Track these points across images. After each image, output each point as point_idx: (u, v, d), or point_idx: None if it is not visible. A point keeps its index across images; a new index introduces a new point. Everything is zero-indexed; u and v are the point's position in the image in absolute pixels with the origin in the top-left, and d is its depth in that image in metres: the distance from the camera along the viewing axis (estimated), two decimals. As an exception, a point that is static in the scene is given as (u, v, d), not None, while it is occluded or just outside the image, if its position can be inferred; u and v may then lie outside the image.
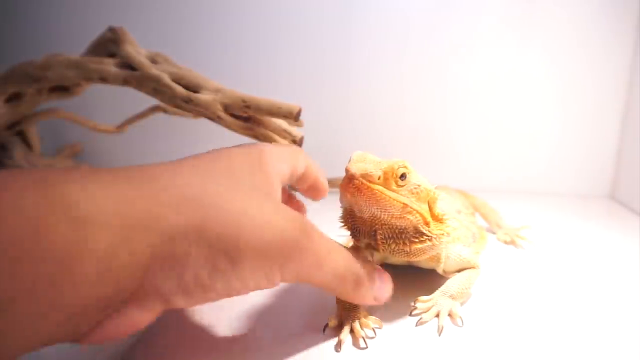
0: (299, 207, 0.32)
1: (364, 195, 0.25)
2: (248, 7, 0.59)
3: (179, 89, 0.39)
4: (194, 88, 0.40)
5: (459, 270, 0.31)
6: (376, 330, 0.27)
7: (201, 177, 0.21)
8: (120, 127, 0.55)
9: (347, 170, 0.26)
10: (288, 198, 0.32)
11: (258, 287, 0.21)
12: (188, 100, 0.39)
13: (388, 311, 0.29)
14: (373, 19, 0.58)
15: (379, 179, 0.26)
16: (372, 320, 0.27)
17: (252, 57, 0.61)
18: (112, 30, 0.43)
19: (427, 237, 0.27)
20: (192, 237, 0.19)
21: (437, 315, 0.28)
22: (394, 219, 0.26)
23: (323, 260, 0.23)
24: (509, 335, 0.26)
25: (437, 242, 0.28)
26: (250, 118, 0.40)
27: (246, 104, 0.39)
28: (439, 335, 0.26)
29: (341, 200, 0.27)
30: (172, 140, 0.63)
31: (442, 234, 0.28)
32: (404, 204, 0.26)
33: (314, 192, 0.31)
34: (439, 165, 0.61)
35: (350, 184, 0.25)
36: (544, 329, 0.27)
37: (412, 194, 0.27)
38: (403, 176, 0.26)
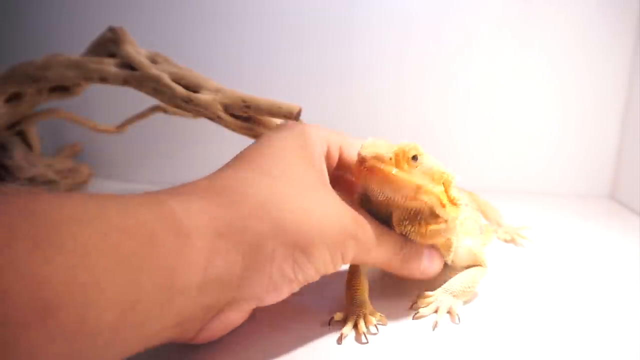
0: (350, 186, 0.32)
1: (376, 177, 0.26)
2: (248, 7, 0.59)
3: (179, 89, 0.39)
4: (194, 88, 0.40)
5: (467, 265, 0.31)
6: (379, 326, 0.27)
7: (266, 180, 0.24)
8: (120, 127, 0.55)
9: (359, 155, 0.26)
10: (338, 177, 0.32)
11: (326, 272, 0.25)
12: (188, 100, 0.39)
13: (393, 308, 0.29)
14: (374, 19, 0.58)
15: (390, 160, 0.26)
16: (376, 317, 0.27)
17: (253, 57, 0.61)
18: (112, 30, 0.43)
19: (442, 219, 0.27)
20: (274, 240, 0.22)
21: (436, 311, 0.28)
22: (408, 200, 0.26)
23: (373, 245, 0.26)
24: (508, 335, 0.26)
25: (452, 225, 0.28)
26: (250, 118, 0.40)
27: (246, 104, 0.38)
28: (433, 329, 0.27)
29: (355, 181, 0.28)
30: (172, 140, 0.63)
31: (457, 217, 0.28)
32: (417, 185, 0.26)
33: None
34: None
35: (362, 168, 0.26)
36: (544, 329, 0.27)
37: (426, 175, 0.27)
38: (415, 158, 0.26)
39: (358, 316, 0.27)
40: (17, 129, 0.50)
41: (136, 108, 0.53)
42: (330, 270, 0.25)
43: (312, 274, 0.24)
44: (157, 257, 0.18)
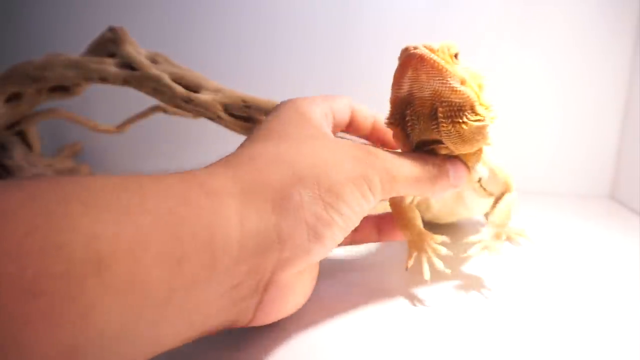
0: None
1: (427, 65, 0.25)
2: (248, 7, 0.59)
3: (179, 89, 0.39)
4: (194, 88, 0.40)
5: (496, 189, 0.32)
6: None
7: (272, 141, 0.25)
8: (120, 127, 0.55)
9: (404, 51, 0.26)
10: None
11: (362, 210, 0.25)
12: (188, 100, 0.39)
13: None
14: (374, 19, 0.58)
15: (438, 51, 0.26)
16: (439, 241, 0.30)
17: (252, 57, 0.61)
18: (112, 30, 0.43)
19: (481, 118, 0.27)
20: (298, 185, 0.22)
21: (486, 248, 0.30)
22: (453, 93, 0.26)
23: (395, 171, 0.26)
24: (508, 335, 0.26)
25: (490, 124, 0.28)
26: (250, 118, 0.40)
27: (246, 104, 0.39)
28: (488, 260, 0.30)
29: (395, 90, 0.28)
30: (172, 140, 0.63)
31: (494, 119, 0.29)
32: (463, 77, 0.27)
33: (381, 137, 0.33)
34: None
35: (411, 60, 0.26)
36: (544, 329, 0.27)
37: (466, 72, 0.27)
38: (456, 55, 0.27)
39: (425, 252, 0.29)
40: (17, 129, 0.50)
41: (136, 108, 0.53)
42: (365, 206, 0.25)
43: (348, 214, 0.24)
44: (193, 215, 0.19)
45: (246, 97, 0.39)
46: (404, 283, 0.33)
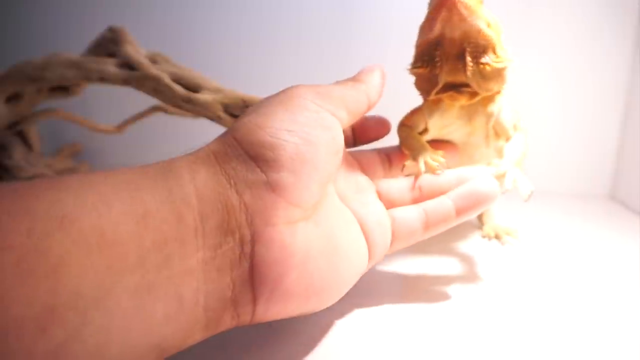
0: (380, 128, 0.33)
1: (461, 6, 0.27)
2: (248, 6, 0.59)
3: (179, 89, 0.39)
4: (194, 88, 0.40)
5: (505, 132, 0.33)
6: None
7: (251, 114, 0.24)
8: (120, 127, 0.55)
9: None
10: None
11: (310, 117, 0.23)
12: (188, 100, 0.39)
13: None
14: (374, 18, 0.58)
15: None
16: (439, 154, 0.31)
17: (253, 57, 0.61)
18: (112, 30, 0.43)
19: (503, 59, 0.30)
20: (233, 132, 0.22)
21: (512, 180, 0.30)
22: (480, 35, 0.29)
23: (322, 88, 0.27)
24: (507, 335, 0.26)
25: (509, 66, 0.30)
26: (250, 118, 0.40)
27: (246, 104, 0.38)
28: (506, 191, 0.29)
29: (425, 32, 0.30)
30: (172, 140, 0.63)
31: (512, 62, 0.31)
32: (488, 19, 0.29)
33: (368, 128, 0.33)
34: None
35: (446, 1, 0.27)
36: (543, 329, 0.27)
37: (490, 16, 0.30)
38: (481, 1, 0.29)
39: (424, 156, 0.31)
40: (17, 129, 0.50)
41: (136, 108, 0.53)
42: (312, 114, 0.23)
43: (294, 127, 0.22)
44: (150, 180, 0.19)
45: (246, 97, 0.39)
46: (401, 282, 0.33)
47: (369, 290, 0.31)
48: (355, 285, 0.30)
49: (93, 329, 0.16)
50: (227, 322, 0.20)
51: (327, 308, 0.24)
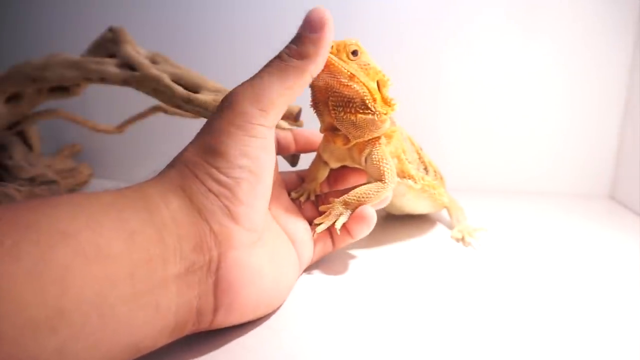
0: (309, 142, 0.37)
1: None
2: (248, 6, 0.59)
3: (179, 89, 0.39)
4: (193, 88, 0.40)
5: (372, 175, 0.34)
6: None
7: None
8: (120, 127, 0.55)
9: None
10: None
11: (254, 145, 0.25)
12: (188, 101, 0.39)
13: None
14: (374, 19, 0.58)
15: (332, 48, 0.30)
16: (317, 189, 0.36)
17: (252, 57, 0.61)
18: (112, 30, 0.44)
19: (371, 111, 0.31)
20: (188, 163, 0.25)
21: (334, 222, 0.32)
22: (342, 86, 0.30)
23: (258, 89, 0.30)
24: (507, 335, 0.26)
25: (379, 120, 0.31)
26: (250, 118, 0.40)
27: (246, 104, 0.38)
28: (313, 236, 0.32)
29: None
30: (172, 140, 0.62)
31: (386, 114, 0.32)
32: (351, 73, 0.30)
33: (307, 144, 0.36)
34: (437, 164, 0.61)
35: None
36: (543, 329, 0.27)
37: (362, 69, 0.31)
38: (355, 53, 0.31)
39: (308, 190, 0.35)
40: (17, 129, 0.50)
41: (136, 108, 0.53)
42: (259, 141, 0.25)
43: (244, 163, 0.25)
44: (129, 202, 0.22)
45: (246, 97, 0.39)
46: (398, 282, 0.33)
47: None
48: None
49: (91, 329, 0.18)
50: (189, 328, 0.23)
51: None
